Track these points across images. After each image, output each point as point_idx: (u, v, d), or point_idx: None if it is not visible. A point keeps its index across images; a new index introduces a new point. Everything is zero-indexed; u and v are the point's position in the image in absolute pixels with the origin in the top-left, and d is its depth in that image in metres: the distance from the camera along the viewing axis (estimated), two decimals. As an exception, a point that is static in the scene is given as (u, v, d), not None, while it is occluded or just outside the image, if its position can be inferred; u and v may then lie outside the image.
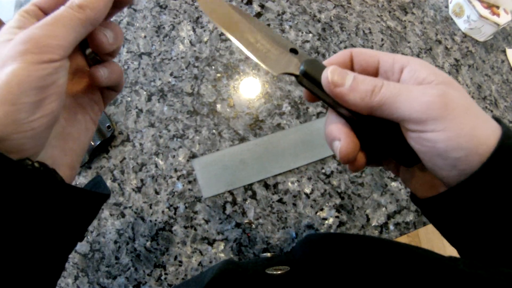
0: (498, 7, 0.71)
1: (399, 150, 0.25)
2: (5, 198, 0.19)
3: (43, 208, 0.21)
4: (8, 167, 0.18)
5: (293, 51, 0.28)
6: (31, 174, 0.20)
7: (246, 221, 0.56)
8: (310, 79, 0.26)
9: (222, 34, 0.66)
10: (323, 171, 0.58)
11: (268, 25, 0.67)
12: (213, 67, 0.64)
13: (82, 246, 0.56)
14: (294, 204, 0.57)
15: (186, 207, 0.56)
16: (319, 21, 0.68)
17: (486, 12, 0.69)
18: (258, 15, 0.67)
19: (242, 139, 0.59)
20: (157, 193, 0.57)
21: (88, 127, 0.27)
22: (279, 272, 0.35)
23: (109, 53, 0.26)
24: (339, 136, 0.25)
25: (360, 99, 0.23)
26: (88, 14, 0.21)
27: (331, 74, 0.24)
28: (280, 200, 0.57)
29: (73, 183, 0.25)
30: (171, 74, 0.63)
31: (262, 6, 0.68)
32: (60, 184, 0.22)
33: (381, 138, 0.25)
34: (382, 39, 0.68)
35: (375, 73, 0.27)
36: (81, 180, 0.59)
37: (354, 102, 0.23)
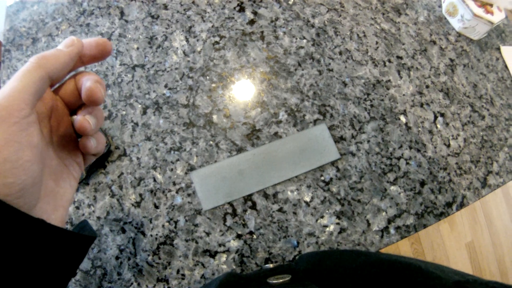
0: (491, 5, 0.71)
1: None
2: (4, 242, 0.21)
3: (37, 249, 0.23)
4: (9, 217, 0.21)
5: None
6: (29, 221, 0.22)
7: (247, 231, 0.56)
8: None
9: (215, 43, 0.65)
10: (322, 178, 0.58)
11: (262, 32, 0.66)
12: (207, 77, 0.63)
13: (83, 263, 0.55)
14: (294, 213, 0.57)
15: (186, 220, 0.56)
16: (313, 26, 0.67)
17: (479, 11, 0.69)
18: (251, 22, 0.67)
19: (240, 150, 0.59)
20: (156, 207, 0.57)
21: (71, 184, 0.29)
22: (280, 281, 0.35)
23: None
24: None
25: None
26: (48, 70, 0.24)
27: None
28: (280, 210, 0.57)
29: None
30: (165, 86, 0.62)
31: (255, 13, 0.67)
32: (51, 227, 0.24)
33: None
34: (377, 42, 0.67)
35: None
36: (80, 197, 0.58)
37: None
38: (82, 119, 0.27)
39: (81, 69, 0.31)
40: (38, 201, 0.24)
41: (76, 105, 0.29)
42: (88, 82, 0.27)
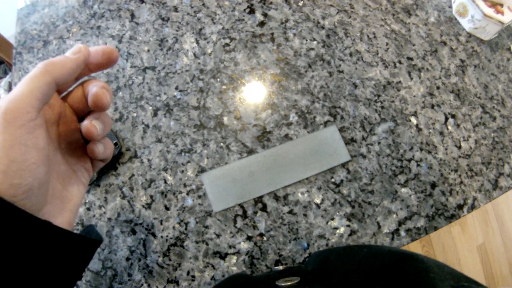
0: (502, 5, 0.71)
1: None
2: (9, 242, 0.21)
3: (43, 250, 0.23)
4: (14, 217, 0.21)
5: None
6: (35, 222, 0.23)
7: (257, 233, 0.56)
8: None
9: (226, 45, 0.65)
10: (333, 180, 0.58)
11: (272, 34, 0.66)
12: (218, 79, 0.63)
13: (94, 264, 0.56)
14: (305, 215, 0.57)
15: (197, 222, 0.56)
16: (323, 27, 0.67)
17: (490, 11, 0.69)
18: (261, 24, 0.67)
19: (251, 152, 0.59)
20: (167, 209, 0.57)
21: (79, 189, 0.30)
22: (289, 283, 0.35)
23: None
24: None
25: None
26: (55, 76, 0.25)
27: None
28: (290, 212, 0.57)
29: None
30: (176, 88, 0.63)
31: (265, 15, 0.67)
32: (57, 229, 0.25)
33: None
34: (387, 43, 0.67)
35: None
36: (91, 198, 0.59)
37: None
38: (89, 125, 0.28)
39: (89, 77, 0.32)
40: (45, 204, 0.25)
41: (84, 112, 0.30)
42: (94, 88, 0.27)
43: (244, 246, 0.55)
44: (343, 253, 0.38)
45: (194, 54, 0.65)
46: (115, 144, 0.59)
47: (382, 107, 0.62)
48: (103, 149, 0.30)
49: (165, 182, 0.58)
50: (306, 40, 0.66)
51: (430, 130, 0.62)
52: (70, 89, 0.30)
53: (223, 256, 0.55)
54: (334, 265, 0.37)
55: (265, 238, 0.56)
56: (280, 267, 0.53)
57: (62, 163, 0.28)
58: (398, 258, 0.29)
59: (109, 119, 0.31)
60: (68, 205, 0.28)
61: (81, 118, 0.30)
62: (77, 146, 0.30)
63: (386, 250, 0.33)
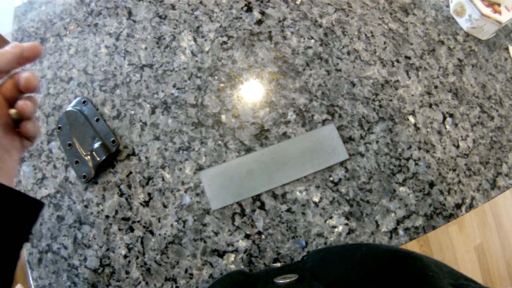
0: (499, 5, 0.71)
1: None
2: None
3: None
4: None
5: None
6: None
7: (255, 231, 0.56)
8: None
9: (223, 43, 0.65)
10: (331, 178, 0.58)
11: (269, 32, 0.66)
12: (216, 77, 0.63)
13: (91, 262, 0.56)
14: (303, 213, 0.57)
15: (195, 220, 0.56)
16: (320, 26, 0.67)
17: (487, 11, 0.69)
18: (259, 22, 0.67)
19: (249, 150, 0.59)
20: (165, 206, 0.57)
21: (13, 164, 0.36)
22: (287, 280, 0.35)
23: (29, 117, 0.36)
24: None
25: None
26: None
27: None
28: (288, 210, 0.57)
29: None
30: (174, 86, 0.63)
31: (262, 13, 0.67)
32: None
33: None
34: (385, 42, 0.67)
35: None
36: (88, 196, 0.58)
37: None
38: (23, 104, 0.34)
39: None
40: None
41: (14, 100, 0.35)
42: (25, 73, 0.34)
43: (242, 244, 0.55)
44: (342, 252, 0.38)
45: (192, 52, 0.65)
46: (113, 141, 0.59)
47: (380, 106, 0.62)
48: (34, 127, 0.36)
49: (163, 179, 0.58)
50: (304, 39, 0.66)
51: (428, 129, 0.62)
52: (1, 81, 0.34)
53: (221, 254, 0.55)
54: (333, 263, 0.37)
55: (263, 236, 0.56)
56: (278, 264, 0.53)
57: None
58: (397, 256, 0.29)
59: (37, 101, 0.37)
60: (5, 172, 0.34)
61: (11, 105, 0.36)
62: (8, 128, 0.35)
63: (384, 249, 0.33)
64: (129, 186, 0.58)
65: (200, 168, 0.58)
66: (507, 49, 0.74)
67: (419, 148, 0.60)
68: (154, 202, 0.57)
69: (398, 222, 0.57)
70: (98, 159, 0.57)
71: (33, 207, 0.35)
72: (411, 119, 0.62)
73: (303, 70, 0.64)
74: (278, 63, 0.64)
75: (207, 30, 0.66)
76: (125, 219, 0.57)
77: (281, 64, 0.64)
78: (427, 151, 0.61)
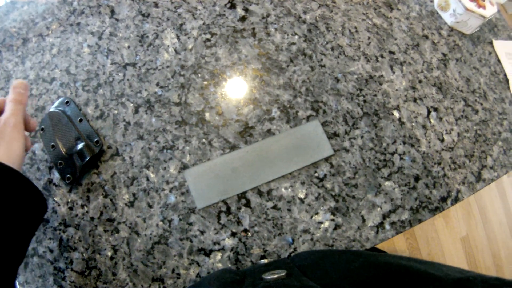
0: (483, -1, 0.71)
1: None
2: None
3: None
4: None
5: None
6: None
7: (241, 229, 0.56)
8: None
9: (207, 40, 0.65)
10: (316, 174, 0.58)
11: (253, 28, 0.66)
12: (199, 74, 0.63)
13: (78, 264, 0.55)
14: (289, 210, 0.56)
15: (180, 219, 0.56)
16: (304, 22, 0.67)
17: (471, 5, 0.69)
18: (243, 19, 0.66)
19: (233, 147, 0.59)
20: (150, 206, 0.57)
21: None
22: (275, 276, 0.35)
23: None
24: None
25: None
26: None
27: None
28: (274, 207, 0.57)
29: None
30: (157, 84, 0.62)
31: (246, 10, 0.67)
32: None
33: None
34: (369, 37, 0.67)
35: None
36: (73, 197, 0.58)
37: None
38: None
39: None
40: None
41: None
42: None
43: (229, 242, 0.55)
44: (338, 259, 0.38)
45: (175, 50, 0.64)
46: (96, 142, 0.58)
47: (365, 101, 0.62)
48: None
49: (148, 179, 0.58)
50: (288, 35, 0.66)
51: (413, 124, 0.62)
52: None
53: (207, 253, 0.55)
54: (327, 268, 0.37)
55: (249, 234, 0.55)
56: (265, 261, 0.53)
57: None
58: (393, 271, 0.29)
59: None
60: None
61: None
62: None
63: (383, 262, 0.32)
64: (114, 187, 0.58)
65: (184, 167, 0.58)
66: (491, 43, 0.74)
67: (404, 143, 0.61)
68: (139, 202, 0.57)
69: (384, 217, 0.57)
70: (82, 160, 0.56)
71: (41, 199, 0.45)
72: (396, 114, 0.62)
73: (287, 67, 0.64)
74: (262, 59, 0.64)
75: (190, 28, 0.66)
76: (110, 220, 0.56)
77: (264, 60, 0.64)
78: (412, 145, 0.61)
